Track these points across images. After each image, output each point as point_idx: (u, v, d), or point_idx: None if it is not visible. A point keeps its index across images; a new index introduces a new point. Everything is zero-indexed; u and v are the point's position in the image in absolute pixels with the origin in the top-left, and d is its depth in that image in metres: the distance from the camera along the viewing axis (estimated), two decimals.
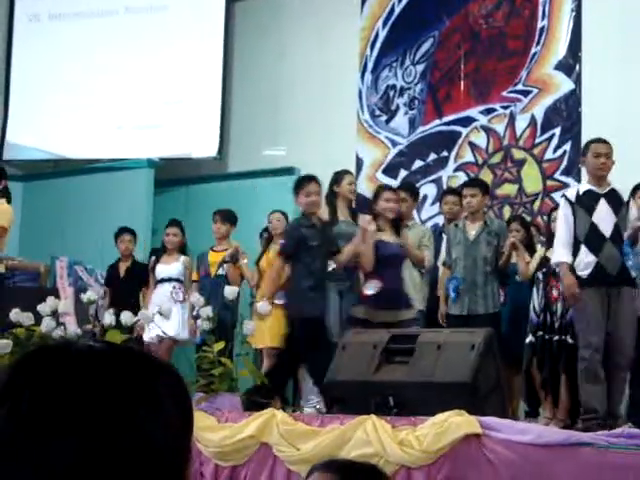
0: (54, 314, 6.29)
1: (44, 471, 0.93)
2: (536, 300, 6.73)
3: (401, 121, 9.97)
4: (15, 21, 11.58)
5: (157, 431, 0.97)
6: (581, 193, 6.04)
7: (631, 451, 4.31)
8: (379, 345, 5.46)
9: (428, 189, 9.54)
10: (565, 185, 8.84)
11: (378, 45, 10.19)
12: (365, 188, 9.96)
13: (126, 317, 6.41)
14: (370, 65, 10.21)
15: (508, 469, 4.49)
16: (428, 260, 7.27)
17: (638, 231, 6.06)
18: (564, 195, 6.23)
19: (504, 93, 9.36)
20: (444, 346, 5.24)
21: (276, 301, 7.53)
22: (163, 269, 8.26)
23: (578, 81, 8.97)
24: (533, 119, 9.17)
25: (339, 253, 6.76)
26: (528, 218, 8.45)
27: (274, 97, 10.68)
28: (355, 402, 5.27)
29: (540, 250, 7.27)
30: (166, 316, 6.99)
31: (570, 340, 6.48)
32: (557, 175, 8.97)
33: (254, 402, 5.79)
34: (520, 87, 9.28)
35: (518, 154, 9.22)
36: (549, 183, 8.98)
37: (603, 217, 5.92)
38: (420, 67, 9.92)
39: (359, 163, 10.05)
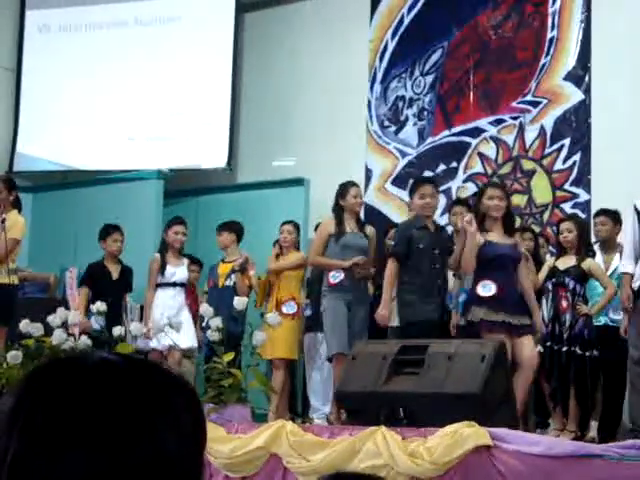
0: (64, 325, 6.29)
1: None
2: (545, 310, 6.73)
3: (410, 132, 9.97)
4: (25, 32, 11.63)
5: (172, 443, 0.97)
6: None
7: None
8: (389, 356, 5.45)
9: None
10: (575, 196, 8.84)
11: (387, 56, 10.21)
12: (374, 199, 9.98)
13: (136, 328, 6.41)
14: (379, 76, 10.22)
15: None
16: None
17: None
18: (635, 205, 6.15)
19: (513, 104, 9.36)
20: (454, 357, 5.22)
21: (285, 311, 7.54)
22: (173, 272, 7.88)
23: (588, 92, 8.97)
24: (543, 130, 9.17)
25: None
26: (537, 229, 8.45)
27: (283, 108, 10.70)
28: (365, 413, 5.25)
29: (549, 260, 7.26)
30: (177, 328, 6.92)
31: (579, 351, 6.48)
32: (567, 186, 8.96)
33: None
34: (529, 98, 9.28)
35: (528, 165, 9.21)
36: (559, 194, 8.97)
37: None
38: (429, 78, 9.93)
39: (368, 174, 10.06)
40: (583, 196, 8.77)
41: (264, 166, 10.61)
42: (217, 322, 6.20)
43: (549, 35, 9.29)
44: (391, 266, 6.71)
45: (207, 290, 8.47)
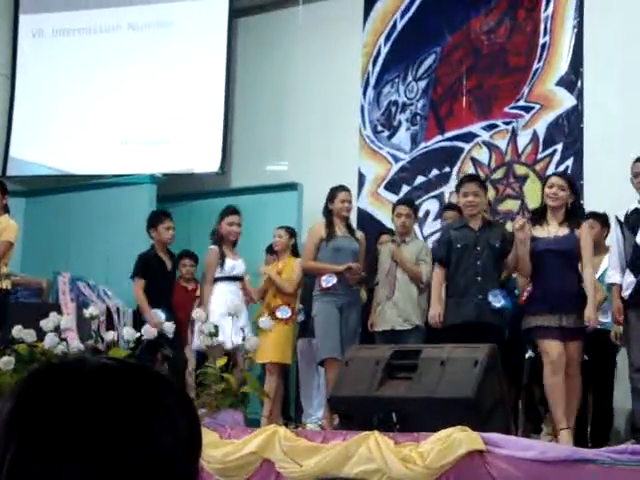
0: (57, 330, 6.28)
1: None
2: None
3: (403, 137, 9.99)
4: (19, 36, 11.62)
5: (168, 445, 0.97)
6: (629, 213, 6.04)
7: (635, 467, 4.29)
8: (382, 361, 5.46)
9: (430, 205, 9.55)
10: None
11: (380, 61, 10.23)
12: (367, 204, 9.99)
13: (129, 333, 6.39)
14: (372, 81, 10.24)
15: None
16: (425, 275, 7.26)
17: None
18: (616, 216, 6.17)
19: (506, 109, 9.38)
20: (447, 362, 5.23)
21: (279, 316, 7.54)
22: (233, 265, 7.51)
23: (580, 97, 8.99)
24: (535, 135, 9.19)
25: (507, 254, 6.36)
26: None
27: (277, 113, 10.71)
28: (358, 418, 5.26)
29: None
30: (241, 325, 6.73)
31: None
32: None
33: None
34: (522, 103, 9.30)
35: (520, 170, 9.23)
36: None
37: None
38: (422, 83, 9.95)
39: (361, 179, 10.06)
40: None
41: (257, 171, 10.62)
42: (209, 327, 6.20)
43: (541, 40, 9.31)
44: (435, 271, 6.67)
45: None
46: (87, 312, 6.65)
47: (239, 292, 7.47)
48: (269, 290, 7.99)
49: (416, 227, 8.49)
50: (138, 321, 7.46)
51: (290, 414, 8.36)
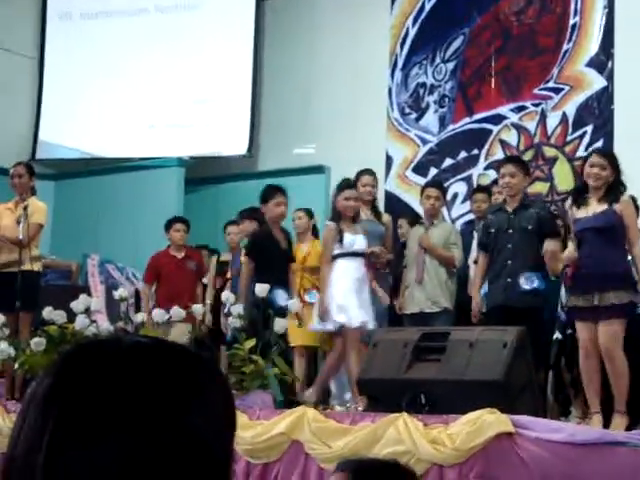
0: (87, 312, 6.33)
1: (105, 469, 0.92)
2: (564, 297, 6.67)
3: (431, 119, 9.94)
4: (47, 20, 11.68)
5: (205, 427, 0.97)
6: None
7: None
8: (410, 343, 5.45)
9: (458, 187, 9.51)
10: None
11: (408, 43, 10.17)
12: (395, 186, 9.96)
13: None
14: (400, 63, 10.19)
15: (541, 468, 4.46)
16: (457, 259, 7.23)
17: None
18: None
19: (535, 90, 9.31)
20: (476, 344, 5.21)
21: (307, 300, 7.54)
22: (353, 240, 6.95)
23: (610, 78, 8.90)
24: (565, 117, 9.12)
25: (554, 236, 6.26)
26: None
27: (304, 95, 10.69)
28: (386, 400, 5.26)
29: (570, 247, 7.20)
30: (361, 303, 6.56)
31: None
32: None
33: None
34: (551, 84, 9.23)
35: (549, 152, 9.17)
36: None
37: None
38: (450, 65, 9.89)
39: (389, 161, 10.04)
40: None
41: (285, 154, 10.61)
42: (238, 309, 6.21)
43: (572, 21, 9.22)
44: (480, 259, 6.58)
45: (231, 277, 8.49)
46: (117, 294, 6.69)
47: (361, 268, 6.95)
48: (299, 274, 7.99)
49: (444, 210, 8.44)
50: None
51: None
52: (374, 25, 10.34)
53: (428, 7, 10.10)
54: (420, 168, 9.86)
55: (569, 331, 6.63)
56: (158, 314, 6.28)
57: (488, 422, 4.59)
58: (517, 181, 6.43)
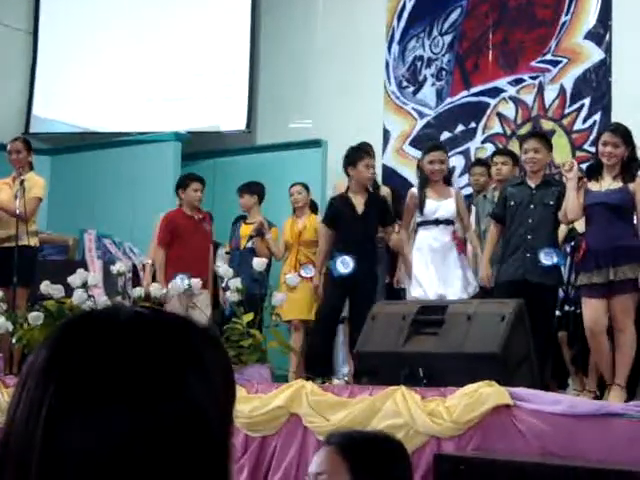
0: (84, 286, 6.33)
1: (104, 439, 0.92)
2: (565, 273, 6.67)
3: (428, 92, 9.90)
4: None
5: (204, 398, 0.96)
6: None
7: None
8: (408, 316, 5.45)
9: (456, 161, 9.48)
10: (595, 156, 8.77)
11: (405, 16, 10.12)
12: (392, 160, 9.94)
13: (155, 289, 6.40)
14: (397, 36, 10.14)
15: (538, 440, 4.48)
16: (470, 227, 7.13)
17: None
18: None
19: (533, 63, 9.27)
20: (474, 317, 5.22)
21: (303, 274, 7.54)
22: (436, 207, 6.63)
23: (608, 51, 8.86)
24: (562, 89, 9.09)
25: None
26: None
27: (301, 70, 10.64)
28: (384, 373, 5.27)
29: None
30: (442, 276, 6.35)
31: None
32: (586, 146, 8.88)
33: None
34: (549, 57, 9.19)
35: (547, 125, 9.14)
36: (578, 154, 8.89)
37: None
38: (447, 38, 9.84)
39: (386, 135, 10.01)
40: None
41: (282, 128, 10.58)
42: (236, 283, 6.21)
43: None
44: (490, 228, 6.48)
45: (229, 251, 8.49)
46: (114, 269, 6.69)
47: (443, 237, 6.60)
48: (294, 248, 7.99)
49: None
50: None
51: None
52: None
53: None
54: (417, 142, 9.82)
55: (570, 307, 6.64)
56: (155, 288, 6.27)
57: (486, 394, 4.61)
58: (542, 156, 6.34)
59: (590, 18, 9.02)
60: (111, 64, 11.15)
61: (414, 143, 9.86)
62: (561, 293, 6.59)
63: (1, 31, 11.15)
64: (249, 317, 5.93)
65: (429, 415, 4.69)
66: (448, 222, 6.67)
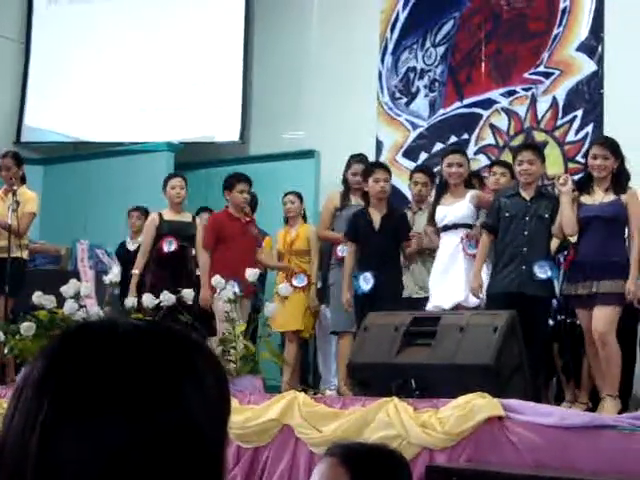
0: (76, 296, 6.32)
1: (100, 449, 0.92)
2: (556, 283, 6.68)
3: (421, 103, 9.92)
4: (34, 3, 11.59)
5: (200, 409, 0.97)
6: None
7: None
8: (401, 327, 5.46)
9: None
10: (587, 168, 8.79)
11: (398, 27, 10.14)
12: None
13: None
14: (390, 47, 10.16)
15: (531, 452, 4.48)
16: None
17: None
18: None
19: (525, 75, 9.30)
20: (466, 328, 5.22)
21: (296, 284, 7.54)
22: (446, 213, 6.58)
23: (600, 62, 8.90)
24: (555, 101, 9.11)
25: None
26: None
27: (295, 80, 10.65)
28: (377, 384, 5.27)
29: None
30: (447, 283, 6.29)
31: None
32: (579, 157, 8.89)
33: None
34: (542, 69, 9.22)
35: (539, 136, 9.16)
36: (570, 165, 8.92)
37: None
38: (441, 49, 9.87)
39: (379, 146, 10.02)
40: None
41: (275, 138, 10.58)
42: (228, 293, 6.20)
43: (562, 5, 9.21)
44: (482, 238, 6.40)
45: None
46: (107, 279, 6.67)
47: (452, 243, 6.53)
48: (286, 257, 7.98)
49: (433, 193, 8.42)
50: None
51: (308, 381, 8.39)
52: (364, 9, 10.30)
53: None
54: (410, 153, 9.84)
55: (561, 317, 6.66)
56: (147, 299, 6.26)
57: (478, 406, 4.61)
58: (536, 168, 6.33)
59: (582, 30, 9.06)
60: (104, 74, 11.15)
61: (407, 154, 9.88)
62: (555, 302, 6.60)
63: None
64: (242, 327, 5.92)
65: (421, 426, 4.69)
66: (457, 226, 6.60)
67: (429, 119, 9.83)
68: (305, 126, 10.49)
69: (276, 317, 6.68)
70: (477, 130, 9.52)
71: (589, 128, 8.87)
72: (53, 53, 11.40)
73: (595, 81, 8.91)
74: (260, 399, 5.42)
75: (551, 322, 6.62)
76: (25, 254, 7.46)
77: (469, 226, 6.58)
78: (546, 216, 6.22)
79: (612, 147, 5.95)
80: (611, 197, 5.87)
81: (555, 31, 9.21)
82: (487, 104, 9.49)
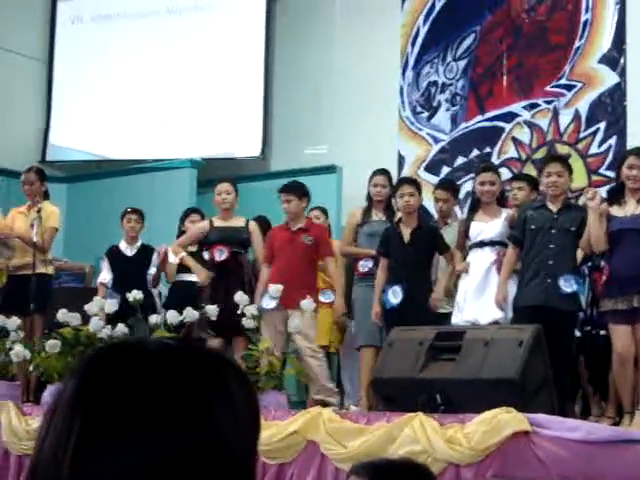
0: (101, 313, 6.34)
1: (126, 468, 0.92)
2: (582, 297, 6.64)
3: (443, 117, 9.92)
4: (57, 23, 11.69)
5: (230, 428, 0.97)
6: None
7: None
8: (425, 342, 5.43)
9: (471, 186, 9.46)
10: (610, 180, 8.74)
11: (419, 41, 10.15)
12: None
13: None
14: (411, 62, 10.17)
15: (558, 466, 4.44)
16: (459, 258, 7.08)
17: None
18: None
19: (547, 88, 9.28)
20: (491, 343, 5.20)
21: (322, 300, 7.52)
22: (482, 229, 6.56)
23: (623, 74, 8.87)
24: (577, 114, 9.08)
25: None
26: None
27: (316, 96, 10.68)
28: (401, 399, 5.25)
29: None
30: (480, 300, 6.24)
31: None
32: (602, 170, 8.87)
33: None
34: (564, 81, 9.20)
35: (562, 149, 9.13)
36: (594, 178, 8.88)
37: None
38: (462, 63, 9.86)
39: (401, 160, 10.02)
40: None
41: (296, 154, 10.60)
42: (252, 310, 6.20)
43: (583, 18, 9.19)
44: (508, 251, 6.36)
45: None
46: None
47: (486, 259, 6.51)
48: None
49: (457, 209, 8.40)
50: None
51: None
52: (385, 24, 10.32)
53: (439, 5, 10.07)
54: (432, 167, 9.83)
55: (587, 329, 6.61)
56: (171, 315, 6.26)
57: (504, 421, 4.57)
58: (564, 180, 6.30)
59: (604, 42, 9.03)
60: (126, 92, 11.22)
61: (429, 168, 9.87)
62: (581, 314, 6.56)
63: (17, 60, 11.25)
64: (266, 343, 5.92)
65: (447, 442, 4.66)
66: (493, 243, 6.56)
67: (451, 133, 9.82)
68: (326, 141, 10.51)
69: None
70: (499, 143, 9.50)
71: (612, 140, 8.83)
72: (76, 72, 11.50)
73: (618, 93, 8.88)
74: (284, 415, 5.41)
75: (577, 334, 6.57)
76: (50, 269, 7.51)
77: (504, 244, 6.51)
78: (573, 229, 6.17)
79: None
80: None
81: (577, 43, 9.18)
82: (509, 117, 9.47)
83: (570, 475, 4.42)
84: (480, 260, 6.54)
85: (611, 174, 8.75)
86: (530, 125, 9.35)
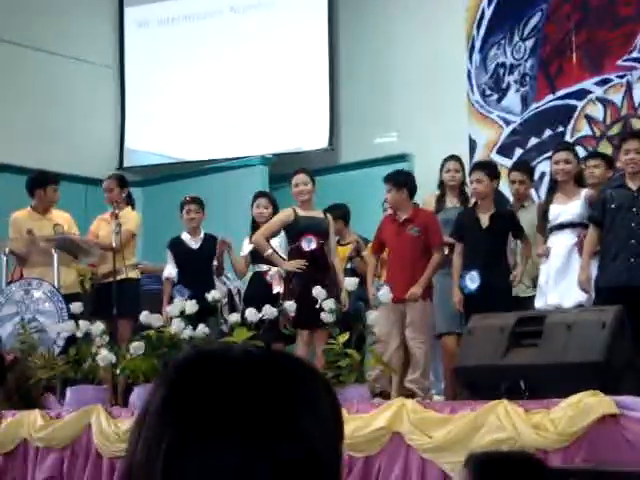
0: (182, 315, 6.41)
1: (220, 473, 0.95)
2: None
3: (513, 99, 9.80)
4: (125, 29, 11.88)
5: (316, 435, 0.98)
6: None
7: None
8: (506, 328, 5.38)
9: (545, 166, 9.31)
10: None
11: (485, 24, 10.04)
12: None
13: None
14: (477, 45, 10.07)
15: None
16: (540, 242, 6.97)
17: None
18: None
19: (619, 62, 9.09)
20: (573, 326, 5.11)
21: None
22: (561, 212, 6.47)
23: None
24: None
25: None
26: None
27: (382, 84, 10.64)
28: (484, 387, 5.21)
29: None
30: (563, 284, 6.16)
31: None
32: None
33: None
34: (635, 54, 9.01)
35: (637, 124, 8.94)
36: None
37: None
38: (529, 42, 9.73)
39: (472, 145, 9.93)
40: None
41: (366, 144, 10.58)
42: (330, 304, 6.20)
43: None
44: (589, 232, 6.23)
45: None
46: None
47: (566, 242, 6.40)
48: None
49: (532, 190, 8.29)
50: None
51: None
52: (449, 8, 10.23)
53: None
54: (505, 149, 9.72)
55: None
56: (250, 314, 6.31)
57: (590, 405, 4.50)
58: None
59: None
60: (195, 94, 11.35)
61: (501, 151, 9.76)
62: None
63: (88, 69, 11.46)
64: (344, 337, 5.92)
65: (534, 428, 4.61)
66: (574, 225, 6.44)
67: (522, 114, 9.70)
68: (396, 130, 10.47)
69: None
70: (572, 122, 9.35)
71: None
72: (146, 76, 11.66)
73: None
74: (367, 408, 5.41)
75: None
76: (134, 273, 7.68)
77: (584, 225, 6.38)
78: None
79: None
80: None
81: None
82: (581, 95, 9.31)
83: None
84: (561, 243, 6.44)
85: None
86: (603, 101, 9.18)
